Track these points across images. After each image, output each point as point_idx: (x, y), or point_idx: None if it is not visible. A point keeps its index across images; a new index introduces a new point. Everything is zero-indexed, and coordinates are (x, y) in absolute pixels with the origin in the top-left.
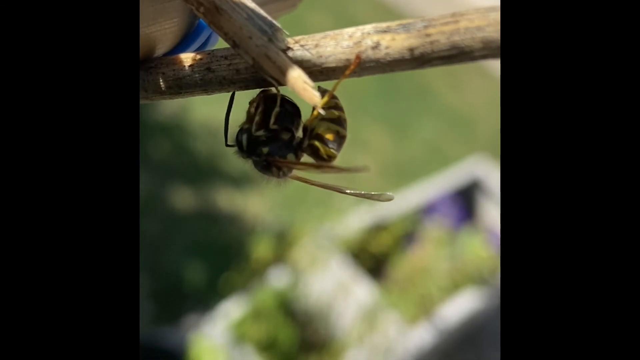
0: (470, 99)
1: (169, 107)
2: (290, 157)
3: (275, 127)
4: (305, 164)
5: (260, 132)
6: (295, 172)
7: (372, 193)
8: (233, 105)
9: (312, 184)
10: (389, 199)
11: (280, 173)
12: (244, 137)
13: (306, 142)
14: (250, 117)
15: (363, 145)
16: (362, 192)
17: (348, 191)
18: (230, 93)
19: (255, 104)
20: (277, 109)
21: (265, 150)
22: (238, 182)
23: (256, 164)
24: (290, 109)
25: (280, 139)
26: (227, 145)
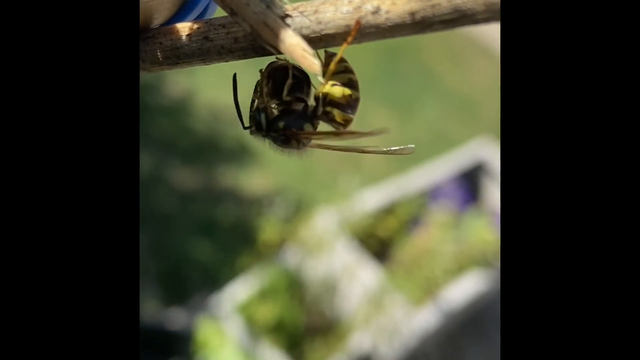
0: (474, 81)
1: (175, 90)
2: (307, 127)
3: (288, 98)
4: (324, 132)
5: (274, 107)
6: (314, 141)
7: (394, 148)
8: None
9: (333, 149)
10: (411, 152)
11: (300, 145)
12: (262, 116)
13: (320, 110)
14: (259, 92)
15: (367, 128)
16: (384, 149)
17: (369, 149)
18: (232, 77)
19: (264, 79)
20: (289, 81)
21: (281, 124)
22: (243, 164)
23: (275, 140)
24: (301, 77)
25: (295, 111)
26: (244, 127)
